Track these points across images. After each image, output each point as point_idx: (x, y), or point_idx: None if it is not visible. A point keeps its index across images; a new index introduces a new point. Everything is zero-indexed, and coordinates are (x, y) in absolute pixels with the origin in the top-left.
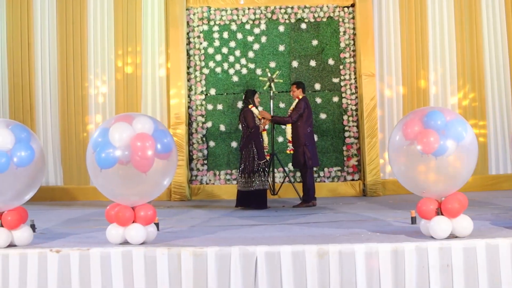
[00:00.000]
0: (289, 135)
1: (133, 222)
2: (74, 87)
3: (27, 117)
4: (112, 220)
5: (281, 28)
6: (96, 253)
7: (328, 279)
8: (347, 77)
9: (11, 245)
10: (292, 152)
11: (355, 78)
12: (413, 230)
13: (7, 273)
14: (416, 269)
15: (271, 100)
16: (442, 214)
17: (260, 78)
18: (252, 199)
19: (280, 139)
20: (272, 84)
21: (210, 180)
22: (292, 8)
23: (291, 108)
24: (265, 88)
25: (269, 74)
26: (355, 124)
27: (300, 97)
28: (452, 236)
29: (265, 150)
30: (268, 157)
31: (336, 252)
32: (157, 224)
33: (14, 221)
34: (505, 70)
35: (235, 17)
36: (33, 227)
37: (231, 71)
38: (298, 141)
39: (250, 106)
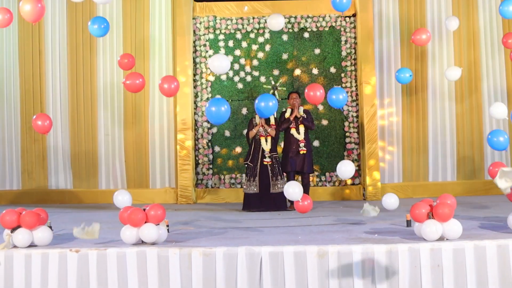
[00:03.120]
0: (301, 137)
1: (145, 222)
2: (84, 94)
3: None
4: (125, 222)
5: (285, 37)
6: (113, 253)
7: (327, 277)
8: (348, 84)
9: (32, 245)
10: (305, 152)
11: (356, 85)
12: (408, 232)
13: (30, 272)
14: (409, 269)
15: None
16: (433, 218)
17: (264, 86)
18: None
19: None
20: (276, 92)
21: (215, 184)
22: (295, 17)
23: (300, 113)
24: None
25: (272, 82)
26: (355, 130)
27: (301, 106)
28: (443, 238)
29: (266, 155)
30: (267, 163)
31: (335, 252)
32: (167, 227)
33: (32, 222)
34: (501, 76)
35: (240, 26)
36: (50, 228)
37: (236, 78)
38: (310, 147)
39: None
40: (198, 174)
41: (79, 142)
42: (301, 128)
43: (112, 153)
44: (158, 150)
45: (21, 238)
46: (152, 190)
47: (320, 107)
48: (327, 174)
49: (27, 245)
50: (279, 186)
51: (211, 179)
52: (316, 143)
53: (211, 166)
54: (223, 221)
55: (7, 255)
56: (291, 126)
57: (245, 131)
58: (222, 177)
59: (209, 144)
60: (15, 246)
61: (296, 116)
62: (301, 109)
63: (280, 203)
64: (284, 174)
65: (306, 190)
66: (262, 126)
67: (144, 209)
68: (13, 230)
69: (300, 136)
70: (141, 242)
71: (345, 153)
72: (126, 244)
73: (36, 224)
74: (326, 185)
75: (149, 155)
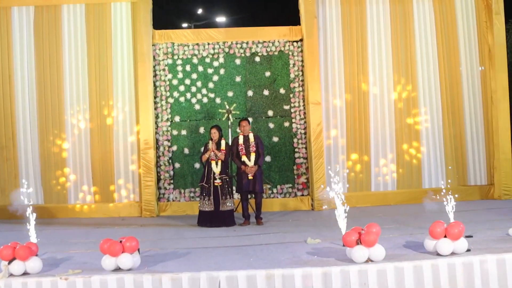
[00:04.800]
0: (251, 163)
1: (122, 252)
2: (52, 116)
3: (10, 143)
4: (105, 252)
5: (238, 61)
6: (96, 280)
7: None
8: (296, 104)
9: (25, 273)
10: (252, 178)
11: (304, 105)
12: (343, 252)
13: None
14: (340, 287)
15: (230, 129)
16: (361, 244)
17: (220, 110)
18: None
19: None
20: (230, 115)
21: (176, 198)
22: (247, 43)
23: (251, 141)
24: (224, 118)
25: (227, 107)
26: (304, 146)
27: (251, 132)
28: (369, 260)
29: (216, 177)
30: (217, 184)
31: (280, 275)
32: (138, 249)
33: (25, 254)
34: (437, 107)
35: (196, 52)
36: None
37: (193, 100)
38: (260, 169)
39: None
40: (160, 189)
41: (49, 160)
42: (252, 156)
43: (80, 170)
44: (122, 167)
45: (16, 268)
46: (118, 204)
47: (271, 125)
48: (278, 186)
49: (21, 273)
50: (227, 204)
51: (172, 193)
52: (268, 158)
53: (172, 181)
54: (185, 240)
55: (7, 283)
56: (242, 153)
57: (202, 149)
58: (182, 191)
59: (170, 161)
60: (11, 275)
61: (248, 144)
62: (253, 135)
63: (230, 220)
64: (233, 193)
65: (258, 208)
66: (213, 151)
67: (121, 241)
68: (9, 262)
69: (251, 163)
70: (119, 269)
71: (295, 167)
72: (106, 270)
73: (28, 256)
74: (277, 197)
75: (115, 172)
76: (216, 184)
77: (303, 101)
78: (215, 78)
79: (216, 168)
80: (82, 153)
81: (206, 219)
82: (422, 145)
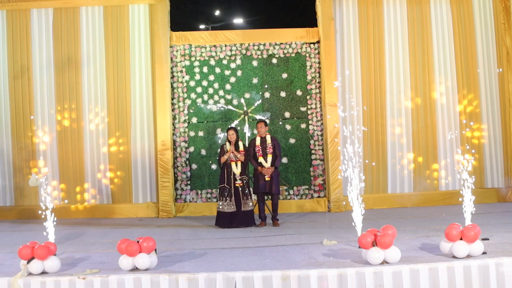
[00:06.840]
0: (268, 165)
1: (139, 252)
2: (70, 117)
3: (28, 141)
4: (122, 252)
5: (255, 63)
6: (114, 279)
7: None
8: (313, 106)
9: (44, 272)
10: (269, 179)
11: (321, 107)
12: (358, 253)
13: None
14: None
15: (247, 130)
16: (377, 246)
17: (237, 111)
18: None
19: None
20: (247, 117)
21: (193, 199)
22: (264, 45)
23: (268, 143)
24: (241, 120)
25: (244, 108)
26: (320, 147)
27: (268, 134)
28: (385, 262)
29: (237, 178)
30: (238, 185)
31: (295, 276)
32: (155, 250)
33: (44, 253)
34: (454, 109)
35: (213, 54)
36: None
37: (211, 101)
38: (277, 171)
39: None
40: (177, 190)
41: (67, 162)
42: (269, 157)
43: (98, 171)
44: (140, 168)
45: (35, 267)
46: (135, 205)
47: (288, 127)
48: (295, 188)
49: (40, 272)
50: (249, 204)
51: (189, 194)
52: (284, 159)
53: (189, 182)
54: (202, 241)
55: (25, 282)
56: (259, 155)
57: (219, 150)
58: (199, 192)
59: (187, 162)
60: (30, 274)
61: (265, 145)
62: (270, 137)
63: (250, 220)
64: (252, 194)
65: (275, 209)
66: (232, 152)
67: (138, 241)
68: (28, 261)
69: (267, 165)
70: (136, 269)
71: (311, 169)
72: (123, 270)
73: (46, 255)
74: (294, 198)
75: (132, 173)
76: (237, 185)
77: (320, 103)
78: (232, 79)
79: (237, 169)
80: (100, 154)
81: (226, 220)
82: (439, 148)
